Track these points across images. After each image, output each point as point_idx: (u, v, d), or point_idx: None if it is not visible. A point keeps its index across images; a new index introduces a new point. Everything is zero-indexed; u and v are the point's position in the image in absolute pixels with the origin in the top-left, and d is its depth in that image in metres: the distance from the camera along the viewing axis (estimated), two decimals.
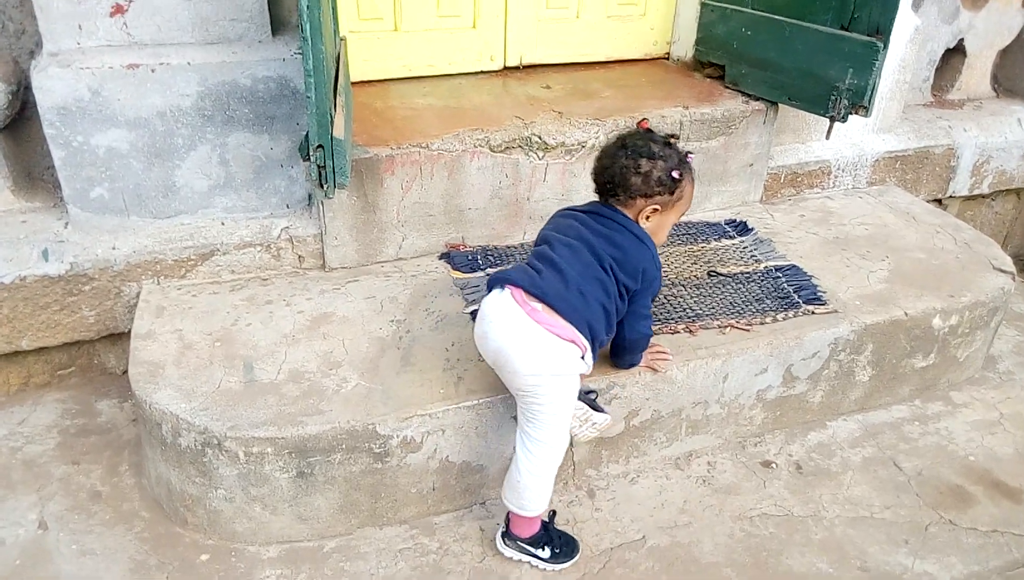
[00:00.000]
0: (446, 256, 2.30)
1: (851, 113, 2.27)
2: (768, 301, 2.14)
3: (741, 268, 2.29)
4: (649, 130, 1.75)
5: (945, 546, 1.87)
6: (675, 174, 1.67)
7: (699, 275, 2.25)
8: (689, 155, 1.73)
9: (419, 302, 2.09)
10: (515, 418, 1.82)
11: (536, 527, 1.74)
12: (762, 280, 2.23)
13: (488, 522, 1.87)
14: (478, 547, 1.80)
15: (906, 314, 2.15)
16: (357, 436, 1.70)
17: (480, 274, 2.21)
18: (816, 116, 2.60)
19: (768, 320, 2.07)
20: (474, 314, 2.04)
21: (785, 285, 2.21)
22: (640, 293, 1.72)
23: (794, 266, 2.30)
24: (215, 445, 1.64)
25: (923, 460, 2.11)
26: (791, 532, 1.88)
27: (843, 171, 2.79)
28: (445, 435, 1.77)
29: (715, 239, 2.43)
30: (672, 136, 1.74)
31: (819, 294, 2.18)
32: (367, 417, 1.70)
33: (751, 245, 2.41)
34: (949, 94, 3.21)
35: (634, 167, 1.66)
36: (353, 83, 2.45)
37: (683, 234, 2.45)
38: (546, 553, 1.75)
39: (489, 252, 2.31)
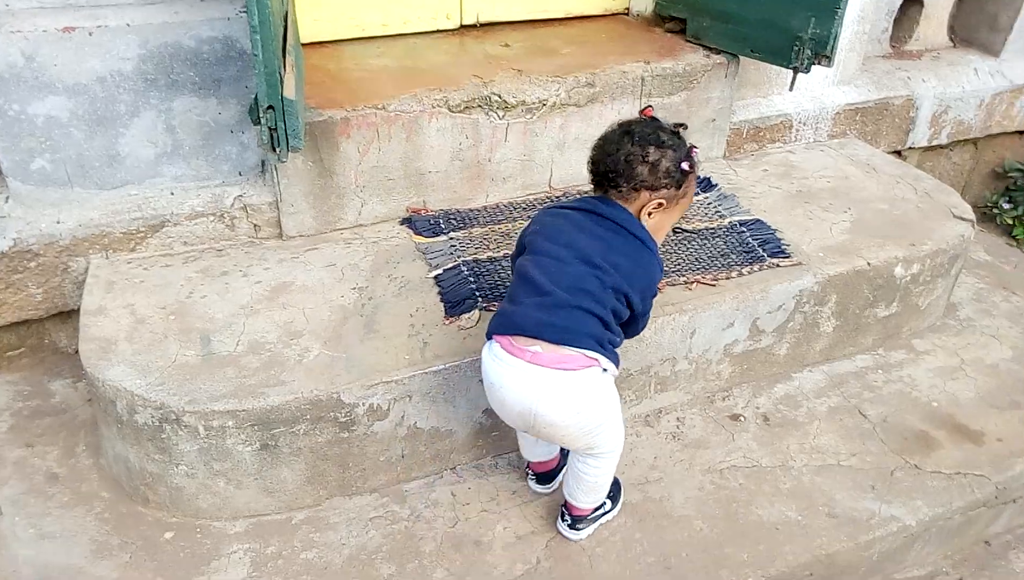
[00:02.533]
0: (407, 221, 2.25)
1: (814, 63, 2.25)
2: (733, 256, 2.13)
3: (706, 224, 2.27)
4: (655, 118, 1.58)
5: (910, 490, 1.91)
6: (684, 166, 1.52)
7: None
8: (694, 149, 1.58)
9: (381, 268, 2.05)
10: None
11: (588, 513, 1.73)
12: (727, 235, 2.22)
13: (459, 486, 1.85)
14: (450, 512, 1.78)
15: (869, 264, 2.16)
16: (321, 406, 1.66)
17: (443, 238, 2.16)
18: (777, 70, 2.59)
19: (734, 274, 2.06)
20: (437, 278, 2.01)
21: (750, 239, 2.20)
22: (644, 301, 1.58)
23: (758, 220, 2.29)
24: (173, 421, 1.60)
25: (887, 407, 2.14)
26: (760, 483, 1.90)
27: (804, 124, 2.79)
28: (412, 401, 1.74)
29: None
30: (680, 125, 1.59)
31: (783, 247, 2.17)
32: (331, 386, 1.66)
33: (715, 201, 2.39)
34: (907, 45, 3.21)
35: (641, 155, 1.50)
36: (304, 45, 2.36)
37: None
38: (608, 505, 1.76)
39: (452, 215, 2.27)
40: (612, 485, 1.73)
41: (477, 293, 1.94)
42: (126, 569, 1.62)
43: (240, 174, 2.13)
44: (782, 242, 2.20)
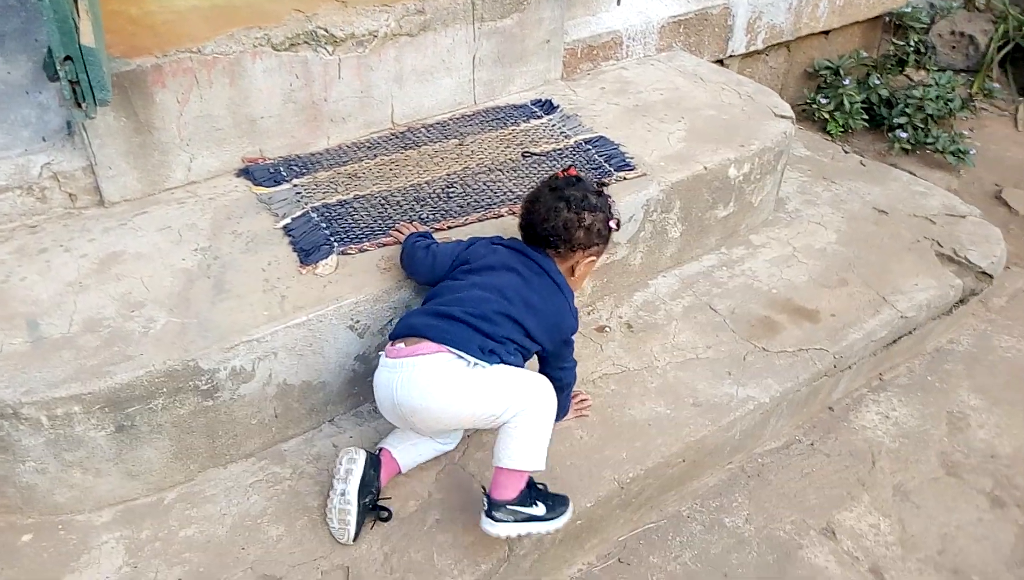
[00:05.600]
0: (244, 172, 2.11)
1: None
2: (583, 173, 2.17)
3: (553, 145, 2.30)
4: (579, 177, 1.71)
5: (762, 371, 2.07)
6: (612, 225, 1.68)
7: (514, 158, 2.23)
8: (611, 199, 1.72)
9: (223, 225, 1.92)
10: (351, 328, 1.75)
11: (522, 484, 1.51)
12: (574, 154, 2.26)
13: (340, 437, 1.81)
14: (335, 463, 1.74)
15: (706, 168, 2.27)
16: (178, 376, 1.55)
17: (287, 186, 2.06)
18: None
19: None
20: (286, 228, 1.92)
21: (596, 156, 2.25)
22: (563, 347, 1.70)
23: (602, 137, 2.34)
24: (10, 415, 1.44)
25: (734, 300, 2.29)
26: (630, 386, 1.99)
27: (634, 40, 2.85)
28: (278, 358, 1.67)
29: (524, 120, 2.42)
30: (601, 184, 1.78)
31: (628, 161, 2.24)
32: (186, 354, 1.56)
33: (559, 122, 2.42)
34: None
35: (578, 221, 1.63)
36: None
37: (492, 120, 2.41)
38: (541, 509, 1.54)
39: (292, 162, 2.15)
40: (552, 497, 1.58)
41: (332, 238, 1.87)
42: None
43: (44, 140, 1.91)
44: (626, 156, 2.26)
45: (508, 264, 1.66)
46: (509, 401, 1.50)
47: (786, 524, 1.98)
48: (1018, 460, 2.17)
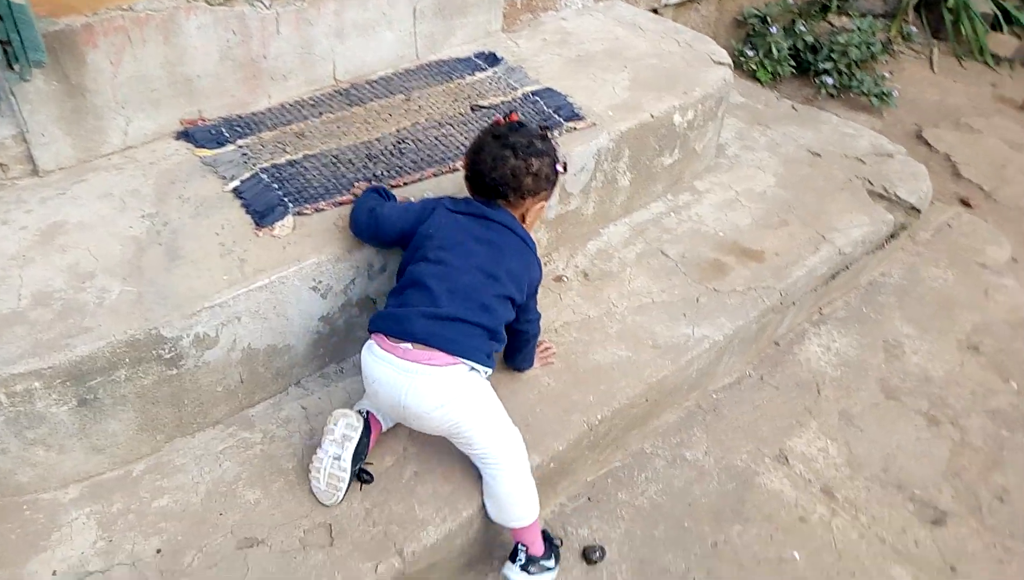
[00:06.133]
0: (184, 135, 2.03)
1: None
2: (533, 125, 2.17)
3: (500, 98, 2.29)
4: (521, 123, 1.68)
5: (714, 311, 2.14)
6: (559, 168, 1.67)
7: (463, 112, 2.21)
8: (556, 141, 1.73)
9: (168, 190, 1.85)
10: (314, 289, 1.73)
11: (540, 538, 1.65)
12: (522, 106, 2.26)
13: (308, 399, 1.80)
14: (304, 425, 1.74)
15: (652, 116, 2.31)
16: (140, 346, 1.51)
17: (231, 148, 1.99)
18: None
19: None
20: (236, 190, 1.87)
21: (545, 107, 2.25)
22: (529, 299, 1.69)
23: (548, 88, 2.34)
24: None
25: (684, 245, 2.35)
26: (592, 332, 2.04)
27: None
28: (242, 322, 1.64)
29: (469, 73, 2.39)
30: (545, 127, 1.72)
31: (576, 111, 2.25)
32: (146, 322, 1.51)
33: (504, 74, 2.41)
34: None
35: (526, 168, 1.61)
36: None
37: (437, 74, 2.38)
38: (552, 562, 1.68)
39: (234, 123, 2.08)
40: (554, 547, 1.70)
41: (285, 198, 1.83)
42: None
43: None
44: (574, 106, 2.27)
45: (477, 235, 1.62)
46: (496, 441, 1.58)
47: (742, 454, 2.08)
48: (950, 382, 2.32)
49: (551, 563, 1.67)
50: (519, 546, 1.64)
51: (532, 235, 1.72)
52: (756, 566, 1.83)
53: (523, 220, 1.70)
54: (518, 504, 1.60)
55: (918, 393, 2.28)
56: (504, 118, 1.70)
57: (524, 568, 1.63)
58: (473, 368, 1.57)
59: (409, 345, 1.51)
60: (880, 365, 2.36)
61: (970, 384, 2.32)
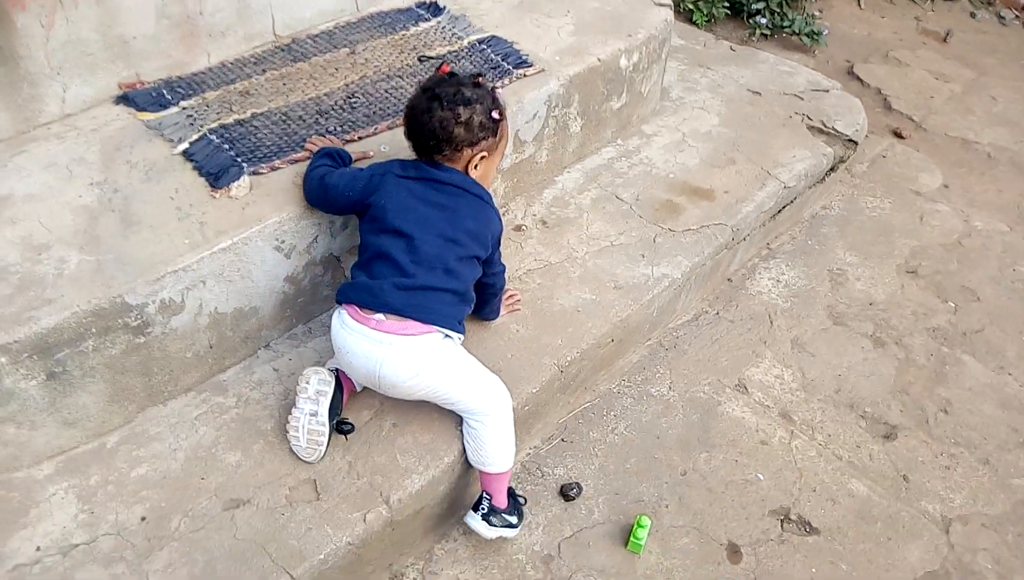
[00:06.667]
0: (124, 99, 1.96)
1: None
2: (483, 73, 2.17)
3: (447, 48, 2.26)
4: (453, 73, 1.63)
5: (671, 250, 2.20)
6: (495, 115, 1.60)
7: (411, 63, 2.19)
8: (495, 88, 1.63)
9: (114, 157, 1.79)
10: (278, 249, 1.72)
11: (504, 488, 1.68)
12: (470, 55, 2.24)
13: (279, 361, 1.79)
14: (278, 387, 1.73)
15: (599, 60, 2.32)
16: (105, 314, 1.48)
17: (175, 110, 1.93)
18: None
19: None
20: (186, 153, 1.82)
21: (492, 55, 2.24)
22: (493, 252, 1.68)
23: (494, 36, 2.33)
24: None
25: (637, 188, 2.39)
26: (555, 278, 2.07)
27: None
28: (207, 286, 1.62)
29: (412, 24, 2.36)
30: (477, 75, 1.64)
31: (524, 58, 2.25)
32: (110, 290, 1.48)
33: (448, 24, 2.38)
34: None
35: (454, 118, 1.55)
36: None
37: (380, 26, 2.33)
38: (515, 518, 1.71)
39: (175, 84, 2.01)
40: (518, 506, 1.75)
41: (238, 159, 1.80)
42: None
43: None
44: (521, 53, 2.27)
45: (430, 200, 1.60)
46: (479, 397, 1.62)
47: (704, 386, 2.16)
48: (892, 304, 2.45)
49: (514, 519, 1.71)
50: (484, 495, 1.68)
51: (488, 188, 1.71)
52: (724, 489, 1.92)
53: (466, 172, 1.65)
54: (496, 451, 1.64)
55: (863, 317, 2.40)
56: (437, 71, 1.67)
57: (486, 518, 1.66)
58: (447, 335, 1.59)
59: (382, 316, 1.52)
60: (827, 293, 2.47)
61: (911, 305, 2.45)
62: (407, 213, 1.58)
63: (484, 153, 1.63)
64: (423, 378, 1.55)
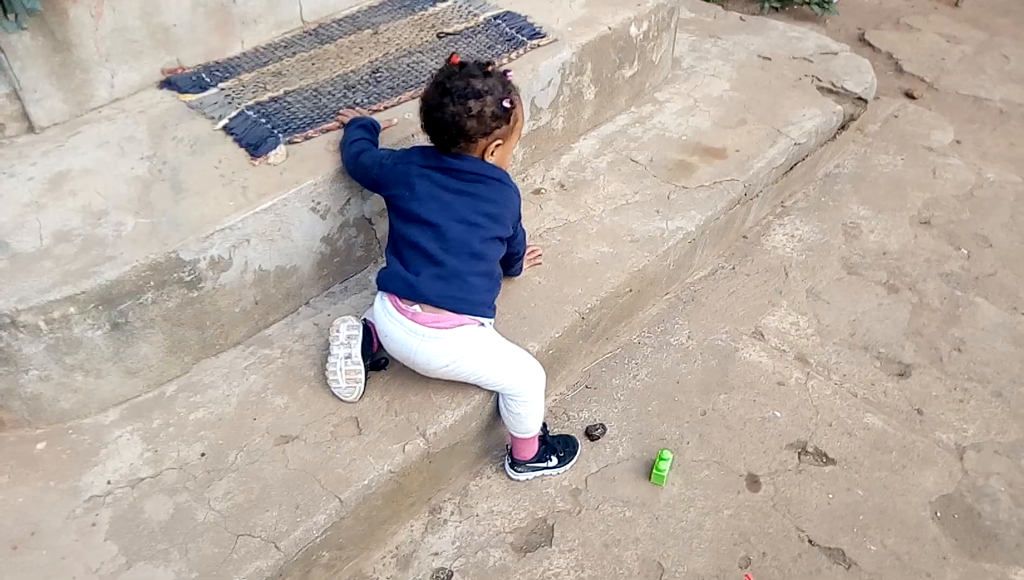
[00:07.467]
0: (167, 83, 2.11)
1: None
2: (499, 46, 2.29)
3: (464, 24, 2.39)
4: (463, 64, 1.64)
5: (685, 205, 2.29)
6: (506, 103, 1.61)
7: (430, 40, 2.31)
8: (507, 73, 1.66)
9: (161, 134, 1.94)
10: (314, 210, 1.84)
11: (535, 446, 1.83)
12: (486, 30, 2.36)
13: (319, 317, 1.92)
14: (319, 339, 1.86)
15: (610, 28, 2.42)
16: (162, 269, 1.62)
17: (214, 91, 2.08)
18: None
19: (505, 61, 2.22)
20: (226, 128, 1.96)
21: (507, 29, 2.36)
22: (516, 227, 1.78)
23: (508, 11, 2.45)
24: (8, 325, 1.48)
25: (651, 150, 2.49)
26: (574, 234, 2.18)
27: None
28: (252, 245, 1.75)
29: (431, 5, 2.48)
30: (487, 63, 1.65)
31: (538, 29, 2.36)
32: (165, 247, 1.62)
33: (464, 3, 2.50)
34: None
35: (465, 112, 1.58)
36: None
37: (400, 7, 2.46)
38: (554, 462, 1.86)
39: (212, 69, 2.16)
40: (560, 441, 1.90)
41: (275, 130, 1.93)
42: (9, 489, 1.53)
43: None
44: (535, 25, 2.38)
45: (451, 187, 1.65)
46: (513, 378, 1.72)
47: (722, 334, 2.25)
48: (905, 253, 2.51)
49: (551, 463, 1.86)
50: (508, 448, 1.86)
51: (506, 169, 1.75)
52: (743, 427, 2.01)
53: (483, 159, 1.68)
54: (524, 422, 1.77)
55: (877, 266, 2.47)
56: (446, 62, 1.68)
57: (512, 466, 1.86)
58: (481, 324, 1.69)
59: (418, 308, 1.62)
60: (840, 245, 2.54)
61: (924, 253, 2.51)
62: (431, 202, 1.64)
63: (499, 141, 1.66)
64: (456, 366, 1.67)
